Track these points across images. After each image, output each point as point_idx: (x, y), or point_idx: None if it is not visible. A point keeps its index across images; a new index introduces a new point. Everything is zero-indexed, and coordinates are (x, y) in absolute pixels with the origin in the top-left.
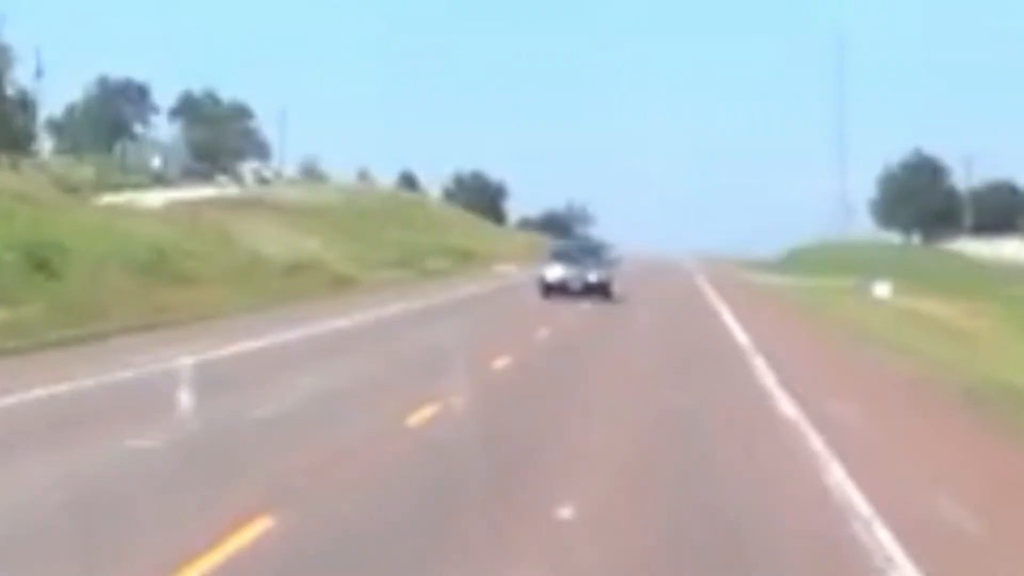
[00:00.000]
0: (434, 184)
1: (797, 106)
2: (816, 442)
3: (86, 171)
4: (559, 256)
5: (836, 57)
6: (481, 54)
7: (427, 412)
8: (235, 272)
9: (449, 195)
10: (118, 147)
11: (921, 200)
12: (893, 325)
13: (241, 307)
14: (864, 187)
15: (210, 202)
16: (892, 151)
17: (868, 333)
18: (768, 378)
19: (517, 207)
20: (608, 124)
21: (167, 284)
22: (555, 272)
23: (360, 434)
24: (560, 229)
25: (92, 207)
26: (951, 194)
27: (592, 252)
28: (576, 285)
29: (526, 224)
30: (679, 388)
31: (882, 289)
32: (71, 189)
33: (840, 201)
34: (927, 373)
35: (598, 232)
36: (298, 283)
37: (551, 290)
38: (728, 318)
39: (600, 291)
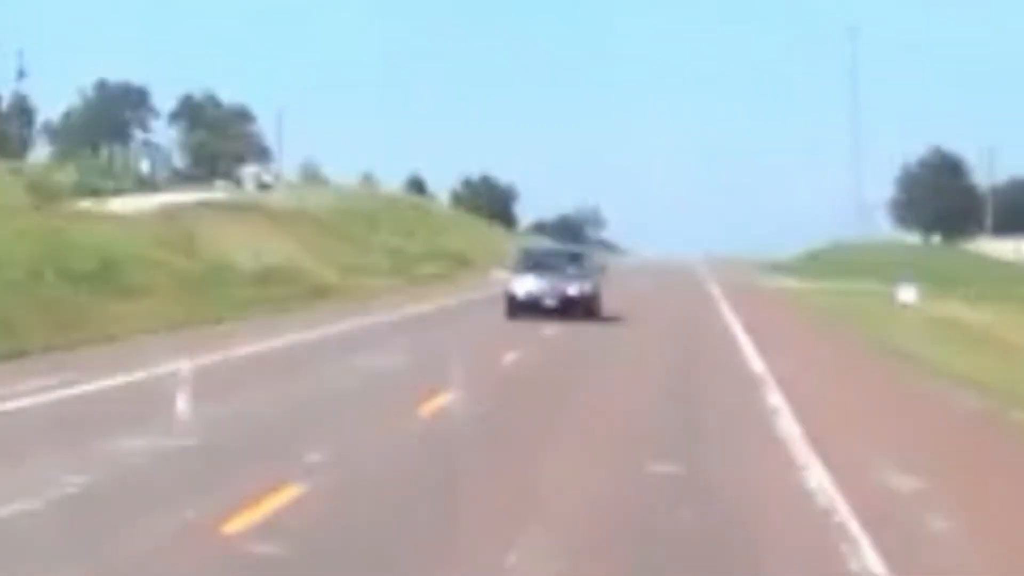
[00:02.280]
0: (443, 188)
1: (811, 104)
2: (871, 558)
3: (66, 175)
4: (530, 264)
5: (849, 53)
6: (490, 56)
7: (250, 517)
8: (196, 282)
9: (458, 199)
10: (104, 151)
11: (941, 199)
12: (926, 337)
13: (181, 322)
14: (882, 186)
15: (194, 206)
16: (911, 149)
17: (902, 349)
18: (792, 427)
19: (528, 211)
20: (618, 126)
21: (109, 296)
22: (525, 284)
23: None
24: (572, 233)
25: (52, 212)
26: (972, 192)
27: (572, 259)
28: (551, 301)
29: (539, 228)
30: (670, 454)
31: (907, 293)
32: (49, 194)
33: (856, 201)
34: (989, 407)
35: (610, 235)
36: (267, 293)
37: (520, 308)
38: (740, 334)
39: (582, 307)
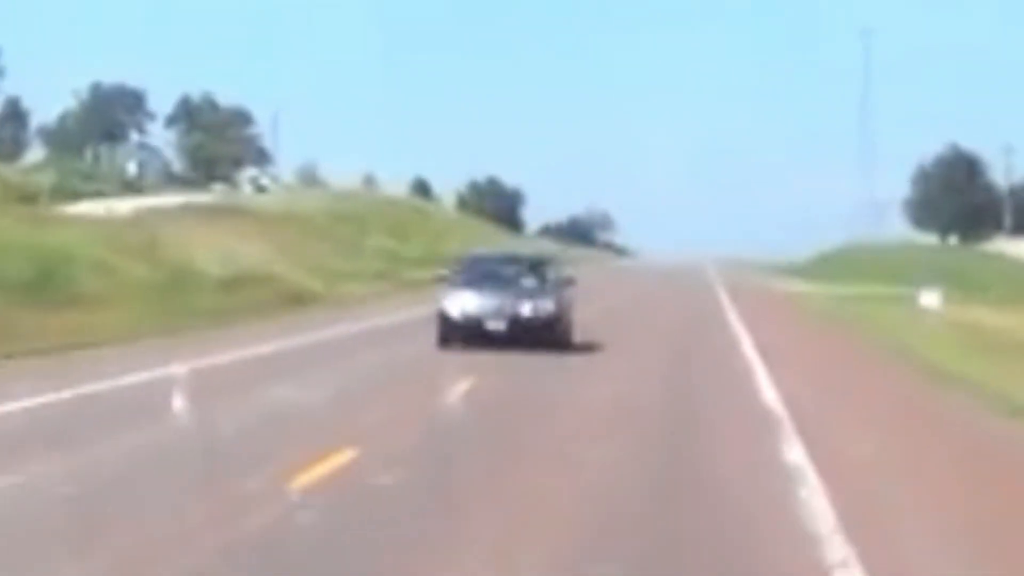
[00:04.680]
0: (449, 191)
1: (822, 104)
2: None
3: (45, 178)
4: (472, 276)
5: (862, 50)
6: (495, 58)
7: None
8: (155, 289)
9: (463, 202)
10: (89, 153)
11: (958, 198)
12: (961, 349)
13: (122, 334)
14: (897, 186)
15: (172, 210)
16: (926, 148)
17: (940, 366)
18: (824, 509)
19: (537, 214)
20: (628, 128)
21: (46, 306)
22: (463, 302)
23: None
24: (581, 236)
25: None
26: (990, 191)
27: (531, 269)
28: (497, 324)
29: (547, 231)
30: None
31: (930, 298)
32: (24, 197)
33: (869, 201)
34: None
35: (620, 238)
36: (233, 301)
37: (455, 333)
38: (750, 352)
39: (541, 332)
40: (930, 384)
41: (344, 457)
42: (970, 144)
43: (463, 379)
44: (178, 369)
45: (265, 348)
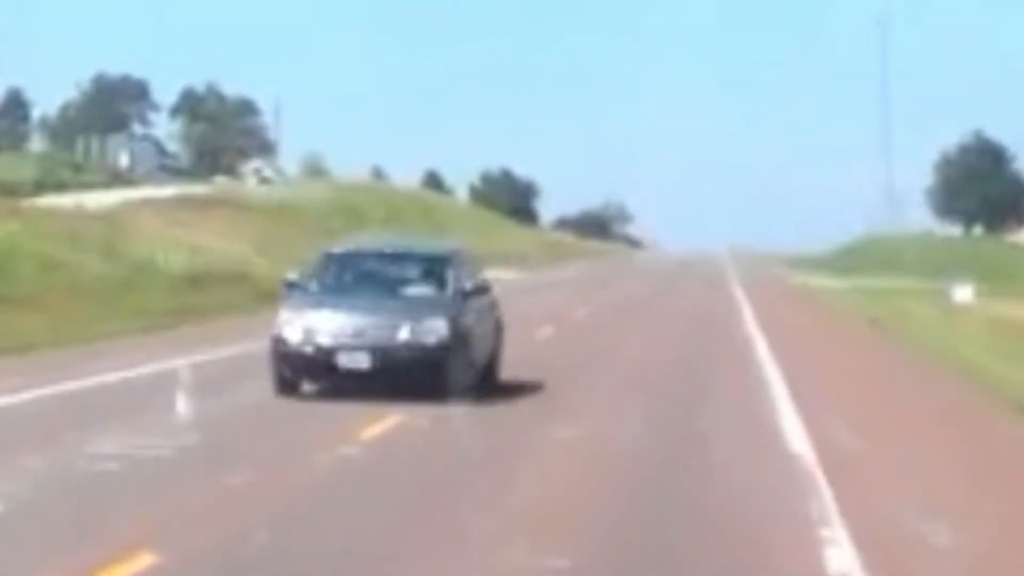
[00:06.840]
0: (463, 184)
1: (842, 94)
2: None
3: (27, 170)
4: (331, 283)
5: (879, 38)
6: (509, 48)
7: None
8: (106, 287)
9: (477, 195)
10: (81, 144)
11: (983, 187)
12: (1013, 357)
13: (31, 342)
14: (921, 175)
15: (166, 202)
16: (951, 136)
17: (1011, 385)
18: None
19: (553, 207)
20: (644, 119)
21: None
22: (309, 325)
23: None
24: (597, 229)
25: None
26: (1016, 181)
27: (421, 272)
28: (357, 359)
29: (563, 224)
30: None
31: (962, 293)
32: (6, 189)
33: (888, 191)
34: None
35: (636, 230)
36: (195, 300)
37: (296, 371)
38: (769, 365)
39: (430, 372)
40: (1016, 414)
41: (132, 567)
42: (995, 133)
43: (398, 408)
44: (25, 395)
45: (179, 360)
